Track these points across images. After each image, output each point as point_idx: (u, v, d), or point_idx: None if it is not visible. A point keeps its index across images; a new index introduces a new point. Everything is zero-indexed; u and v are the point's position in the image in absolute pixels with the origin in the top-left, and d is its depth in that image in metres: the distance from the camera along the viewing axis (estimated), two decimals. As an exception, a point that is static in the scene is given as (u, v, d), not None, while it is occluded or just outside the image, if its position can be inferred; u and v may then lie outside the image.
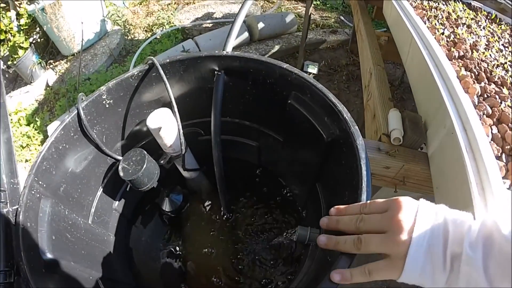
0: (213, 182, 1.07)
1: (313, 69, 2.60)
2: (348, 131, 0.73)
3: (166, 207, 1.08)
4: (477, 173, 0.71)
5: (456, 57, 1.09)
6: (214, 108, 0.95)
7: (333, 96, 0.79)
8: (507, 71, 1.11)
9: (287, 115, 0.96)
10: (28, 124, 2.67)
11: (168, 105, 0.96)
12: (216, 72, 0.96)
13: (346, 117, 0.74)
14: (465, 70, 1.01)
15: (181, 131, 0.94)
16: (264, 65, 0.90)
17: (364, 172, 0.65)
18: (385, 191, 1.43)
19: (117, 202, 1.06)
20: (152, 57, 0.93)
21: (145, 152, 0.92)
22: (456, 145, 0.78)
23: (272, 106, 1.00)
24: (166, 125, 0.93)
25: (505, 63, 1.16)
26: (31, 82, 2.90)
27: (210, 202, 1.26)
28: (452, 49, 1.12)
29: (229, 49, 1.17)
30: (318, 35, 3.05)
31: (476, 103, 0.89)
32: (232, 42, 1.16)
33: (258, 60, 0.89)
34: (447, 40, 1.18)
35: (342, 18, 3.48)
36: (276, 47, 2.83)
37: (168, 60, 0.95)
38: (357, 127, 0.73)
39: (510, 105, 0.95)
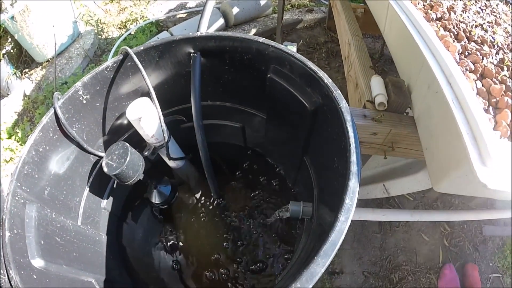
0: (201, 169, 1.05)
1: (292, 49, 2.58)
2: (331, 96, 0.72)
3: (155, 199, 1.06)
4: (467, 124, 0.71)
5: (434, 19, 1.08)
6: (193, 91, 0.93)
7: (312, 64, 0.77)
8: (486, 31, 1.11)
9: (268, 90, 0.94)
10: (10, 137, 2.61)
11: (147, 94, 0.93)
12: (192, 54, 0.93)
13: (328, 83, 0.73)
14: (444, 30, 1.01)
15: (162, 119, 0.92)
16: (240, 42, 0.88)
17: (351, 134, 0.64)
18: (375, 160, 1.43)
19: (105, 200, 1.04)
20: (125, 47, 0.90)
21: (128, 145, 0.89)
22: (442, 101, 0.77)
23: (252, 83, 0.98)
24: (146, 115, 0.90)
25: (483, 23, 1.15)
26: (7, 94, 2.82)
27: (199, 190, 1.24)
28: (429, 11, 1.10)
29: (203, 29, 1.14)
30: (295, 15, 3.01)
31: (458, 60, 0.89)
32: (206, 23, 1.13)
33: (233, 37, 0.87)
34: (423, 4, 1.17)
35: None
36: (253, 31, 2.81)
37: (142, 48, 0.92)
38: (339, 91, 0.71)
39: (492, 61, 0.95)
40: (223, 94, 1.09)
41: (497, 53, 1.02)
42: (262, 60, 0.90)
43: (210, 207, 1.22)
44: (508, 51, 1.06)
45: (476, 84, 0.84)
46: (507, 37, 1.15)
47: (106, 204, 1.04)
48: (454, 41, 0.95)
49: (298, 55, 0.80)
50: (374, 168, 1.55)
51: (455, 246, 1.87)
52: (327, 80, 0.73)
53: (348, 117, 0.66)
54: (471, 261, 1.84)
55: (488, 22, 1.18)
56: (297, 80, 0.84)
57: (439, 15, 1.08)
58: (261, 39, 0.85)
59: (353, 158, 0.61)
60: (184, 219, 1.20)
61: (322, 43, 2.86)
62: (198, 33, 0.90)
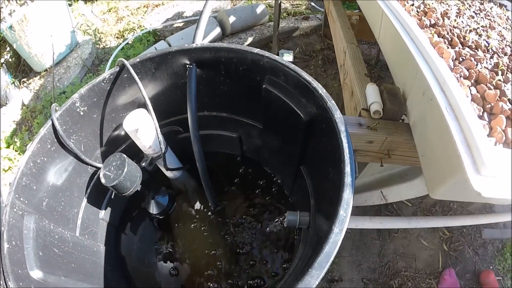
0: (198, 179, 1.05)
1: (288, 57, 2.60)
2: (325, 106, 0.72)
3: (153, 209, 1.06)
4: (461, 131, 0.71)
5: (428, 25, 1.09)
6: (189, 102, 0.93)
7: (306, 75, 0.78)
8: (480, 35, 1.12)
9: (263, 100, 0.94)
10: (8, 146, 2.61)
11: (144, 105, 0.93)
12: (187, 66, 0.94)
13: (322, 93, 0.74)
14: (438, 36, 1.01)
15: (159, 130, 0.92)
16: (235, 53, 0.88)
17: (345, 144, 0.64)
18: (372, 168, 1.43)
19: (103, 211, 1.04)
20: (122, 59, 0.91)
21: (125, 156, 0.90)
22: (436, 108, 0.77)
23: (247, 93, 0.98)
24: (142, 126, 0.91)
25: (478, 28, 1.16)
26: (6, 104, 2.83)
27: (197, 200, 1.24)
28: (423, 18, 1.11)
29: (198, 41, 1.15)
30: (291, 23, 3.03)
31: (452, 67, 0.89)
32: (201, 33, 1.14)
33: (228, 48, 0.88)
34: (417, 11, 1.18)
35: (313, 4, 3.47)
36: (250, 39, 2.81)
37: (138, 60, 0.92)
38: (333, 101, 0.72)
39: (487, 66, 0.95)
40: (219, 104, 1.09)
41: (491, 57, 1.02)
42: (257, 71, 0.90)
43: (208, 217, 1.22)
44: (503, 55, 1.06)
45: (470, 90, 0.85)
46: (501, 40, 1.16)
47: (104, 214, 1.04)
48: (448, 47, 0.96)
49: (293, 66, 0.81)
50: (371, 175, 1.55)
51: (455, 251, 1.87)
52: (321, 90, 0.74)
53: (342, 128, 0.66)
54: (471, 265, 1.84)
55: (482, 26, 1.19)
56: (292, 91, 0.85)
57: (433, 21, 1.09)
58: (256, 50, 0.85)
59: (347, 169, 0.62)
60: (182, 229, 1.20)
61: (318, 50, 2.87)
62: (194, 45, 0.91)
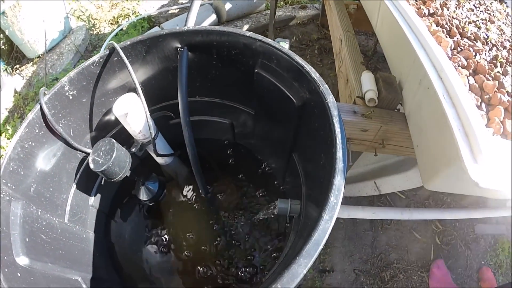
0: (189, 166, 1.04)
1: (284, 45, 2.57)
2: (318, 91, 0.71)
3: (143, 196, 1.04)
4: (459, 119, 0.70)
5: (427, 14, 1.07)
6: (180, 87, 0.91)
7: (299, 58, 0.76)
8: (479, 28, 1.10)
9: (255, 85, 0.93)
10: (0, 134, 2.59)
11: (134, 90, 0.91)
12: (179, 49, 0.91)
13: (315, 77, 0.72)
14: (437, 25, 1.00)
15: (148, 114, 0.90)
16: (227, 36, 0.86)
17: (337, 129, 0.63)
18: (366, 158, 1.42)
19: (93, 197, 1.02)
20: (112, 42, 0.89)
21: (114, 141, 0.88)
22: (434, 97, 0.76)
23: (240, 78, 0.96)
24: (132, 111, 0.89)
25: (477, 20, 1.14)
26: (-1, 91, 2.80)
27: (189, 187, 1.23)
28: (422, 7, 1.10)
29: (190, 24, 1.12)
30: (288, 12, 2.98)
31: (450, 55, 0.88)
32: (193, 17, 1.12)
33: (221, 31, 0.86)
34: (416, 0, 1.16)
35: None
36: (246, 27, 2.77)
37: (128, 43, 0.90)
38: (326, 86, 0.70)
39: (485, 58, 0.94)
40: (211, 89, 1.07)
41: (490, 50, 1.01)
42: (249, 55, 0.88)
43: (199, 205, 1.20)
44: (502, 49, 1.05)
45: (468, 80, 0.83)
46: (500, 34, 1.14)
47: (93, 201, 1.02)
48: (446, 37, 0.95)
49: (286, 49, 0.79)
50: (365, 166, 1.55)
51: (447, 244, 1.87)
52: (314, 74, 0.72)
53: (335, 112, 0.65)
54: (463, 259, 1.84)
55: (482, 19, 1.17)
56: (284, 75, 0.83)
57: (431, 11, 1.07)
58: (249, 33, 0.83)
59: (339, 154, 0.60)
60: (173, 216, 1.19)
61: (315, 39, 2.84)
62: (185, 28, 0.89)
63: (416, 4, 1.12)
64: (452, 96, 0.74)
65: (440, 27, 0.99)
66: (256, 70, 0.89)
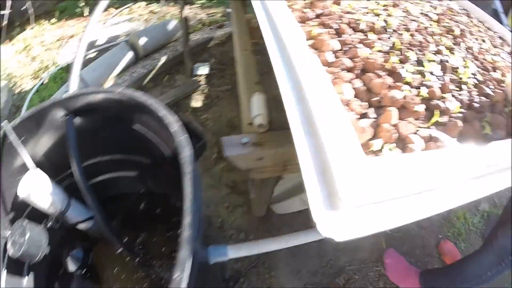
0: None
1: (203, 70, 2.57)
2: (176, 142, 0.66)
3: (72, 267, 1.02)
4: (316, 156, 0.60)
5: (313, 17, 0.99)
6: (72, 155, 0.88)
7: (164, 108, 0.72)
8: (378, 15, 1.04)
9: (140, 138, 0.89)
10: None
11: (38, 163, 0.90)
12: (62, 118, 0.89)
13: (176, 129, 0.67)
14: (324, 27, 0.93)
15: (51, 191, 0.88)
16: (103, 95, 0.84)
17: (187, 190, 0.58)
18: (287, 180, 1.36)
19: (26, 277, 1.00)
20: (4, 123, 0.87)
21: (26, 221, 0.86)
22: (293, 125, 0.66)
23: (128, 133, 0.93)
24: (35, 190, 0.87)
25: (377, 8, 1.08)
26: None
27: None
28: (307, 10, 1.01)
29: (72, 88, 1.09)
30: (205, 34, 2.94)
31: (333, 60, 0.82)
32: (75, 79, 1.08)
33: (95, 91, 0.84)
34: (305, 2, 1.07)
35: (228, 10, 3.30)
36: (163, 59, 2.68)
37: (19, 121, 0.88)
38: (185, 136, 0.65)
39: (381, 49, 0.89)
40: (108, 148, 1.04)
41: (389, 37, 0.95)
42: (128, 111, 0.86)
43: (129, 259, 1.16)
44: (404, 31, 0.99)
45: (353, 84, 0.78)
46: (405, 16, 1.08)
47: (27, 282, 1.00)
48: (333, 38, 0.89)
49: (150, 101, 0.74)
50: (286, 184, 1.44)
51: (398, 231, 1.78)
52: (175, 124, 0.68)
53: (187, 169, 0.60)
54: (419, 240, 1.78)
55: (384, 5, 1.11)
56: (157, 127, 0.80)
57: (319, 11, 1.00)
58: (118, 90, 0.80)
59: (187, 220, 0.55)
60: (108, 273, 1.15)
61: (233, 58, 2.77)
62: (64, 95, 0.86)
63: (304, 7, 1.03)
64: (310, 124, 0.64)
65: (327, 27, 0.93)
66: (136, 125, 0.86)
